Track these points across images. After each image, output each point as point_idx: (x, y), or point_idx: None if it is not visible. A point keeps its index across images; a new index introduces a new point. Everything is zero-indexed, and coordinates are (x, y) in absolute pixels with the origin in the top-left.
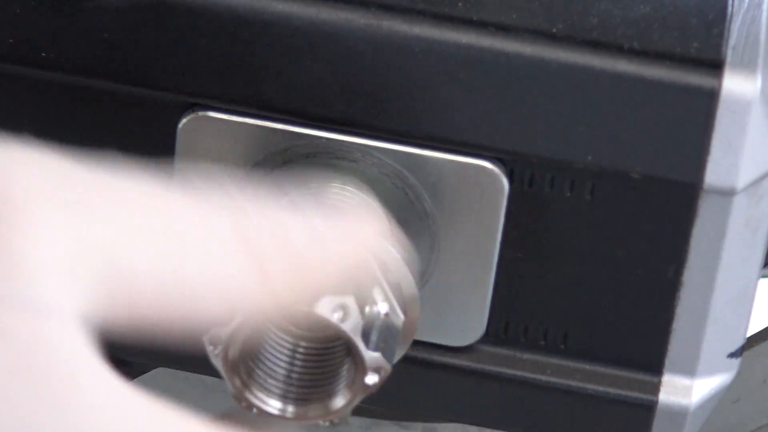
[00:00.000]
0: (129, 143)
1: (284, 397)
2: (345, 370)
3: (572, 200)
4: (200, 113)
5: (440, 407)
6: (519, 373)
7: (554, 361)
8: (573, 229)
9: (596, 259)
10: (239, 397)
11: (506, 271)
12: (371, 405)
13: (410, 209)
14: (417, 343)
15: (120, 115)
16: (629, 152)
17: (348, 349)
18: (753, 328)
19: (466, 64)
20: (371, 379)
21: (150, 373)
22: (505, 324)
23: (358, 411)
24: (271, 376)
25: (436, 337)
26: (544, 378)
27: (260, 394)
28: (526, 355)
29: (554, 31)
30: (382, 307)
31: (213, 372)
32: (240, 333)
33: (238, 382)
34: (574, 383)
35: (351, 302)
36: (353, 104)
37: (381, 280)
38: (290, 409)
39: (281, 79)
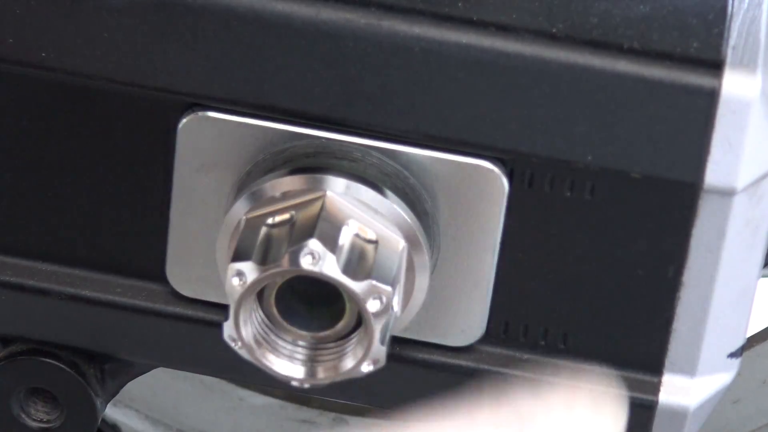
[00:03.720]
0: (129, 143)
1: (294, 359)
2: (355, 333)
3: (572, 200)
4: (200, 113)
5: (440, 407)
6: (519, 373)
7: (554, 361)
8: (573, 229)
9: (596, 259)
10: (253, 359)
11: (506, 271)
12: (371, 405)
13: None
14: (417, 343)
15: (120, 115)
16: (629, 152)
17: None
18: (753, 328)
19: (466, 64)
20: (373, 305)
21: (150, 373)
22: (505, 324)
23: (358, 411)
24: (281, 339)
25: (436, 337)
26: (544, 378)
27: (271, 356)
28: (526, 355)
29: (554, 31)
30: (360, 234)
31: (213, 372)
32: (244, 307)
33: (251, 344)
34: (574, 383)
35: (315, 244)
36: (353, 104)
37: (355, 212)
38: (300, 370)
39: (281, 79)
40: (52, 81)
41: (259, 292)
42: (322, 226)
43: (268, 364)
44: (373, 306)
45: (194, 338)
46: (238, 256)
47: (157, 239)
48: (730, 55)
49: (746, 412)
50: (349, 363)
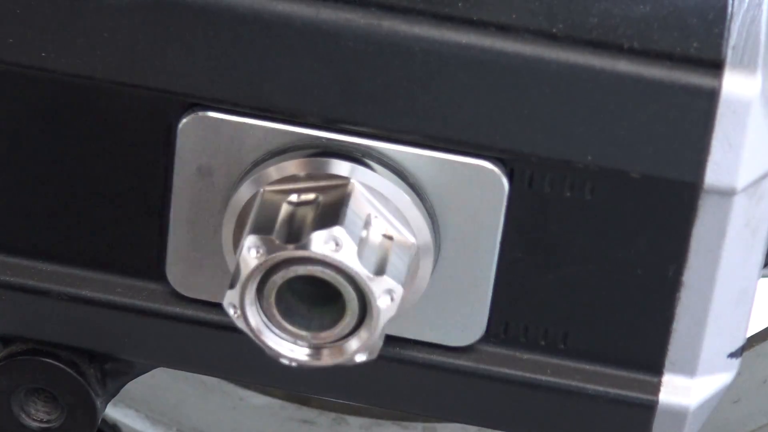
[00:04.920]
0: (129, 143)
1: (298, 341)
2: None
3: (572, 200)
4: (200, 113)
5: (440, 407)
6: (519, 373)
7: (554, 361)
8: (573, 229)
9: (596, 259)
10: (258, 342)
11: (506, 271)
12: (371, 405)
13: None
14: (417, 343)
15: (120, 115)
16: (629, 152)
17: (353, 280)
18: (753, 328)
19: (466, 64)
20: (384, 302)
21: (150, 373)
22: (505, 324)
23: (358, 411)
24: (285, 321)
25: (436, 337)
26: (544, 378)
27: (276, 339)
28: (526, 355)
29: (554, 31)
30: (380, 229)
31: (213, 372)
32: (252, 279)
33: (254, 325)
34: (574, 383)
35: (340, 232)
36: (353, 104)
37: (377, 205)
38: (305, 352)
39: (281, 79)
40: (52, 81)
41: (259, 289)
42: (348, 214)
43: (271, 345)
44: (383, 302)
45: (194, 338)
46: (258, 229)
47: (157, 239)
48: (730, 55)
49: (746, 412)
50: (354, 345)
